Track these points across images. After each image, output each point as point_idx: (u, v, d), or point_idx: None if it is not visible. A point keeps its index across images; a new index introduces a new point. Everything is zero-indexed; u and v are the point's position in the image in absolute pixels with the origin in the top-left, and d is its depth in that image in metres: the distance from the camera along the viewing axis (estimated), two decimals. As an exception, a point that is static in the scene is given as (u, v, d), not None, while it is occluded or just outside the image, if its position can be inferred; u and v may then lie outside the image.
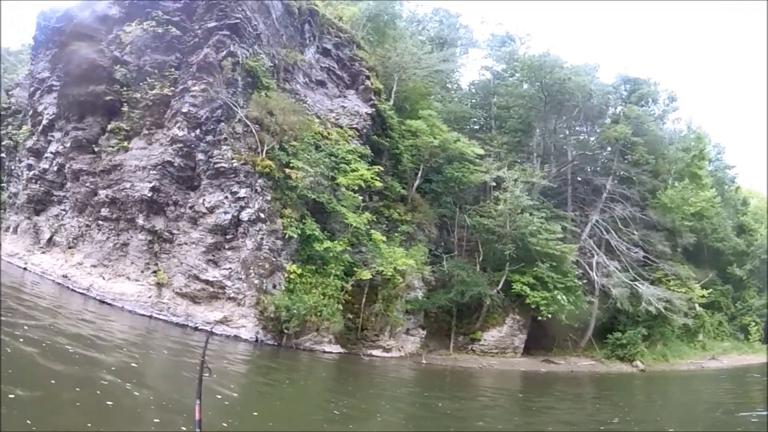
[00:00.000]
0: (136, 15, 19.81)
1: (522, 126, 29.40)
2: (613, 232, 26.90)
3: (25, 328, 9.93)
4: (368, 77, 22.34)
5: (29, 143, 22.99)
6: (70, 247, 19.39)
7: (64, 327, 11.22)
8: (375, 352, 17.24)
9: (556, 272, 22.37)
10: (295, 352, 15.47)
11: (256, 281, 15.83)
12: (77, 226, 19.41)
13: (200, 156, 17.51)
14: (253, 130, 17.30)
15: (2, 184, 25.23)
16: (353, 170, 18.36)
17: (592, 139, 30.05)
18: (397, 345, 17.97)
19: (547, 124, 28.32)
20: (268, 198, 16.72)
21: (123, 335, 12.75)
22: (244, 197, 16.63)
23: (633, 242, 26.82)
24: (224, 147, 17.21)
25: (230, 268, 16.19)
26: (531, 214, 22.26)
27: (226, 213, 16.57)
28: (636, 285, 24.62)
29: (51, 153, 21.60)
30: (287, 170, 17.16)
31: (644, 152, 28.22)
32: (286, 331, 15.38)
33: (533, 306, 21.12)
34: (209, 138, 17.52)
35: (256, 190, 16.74)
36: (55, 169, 21.30)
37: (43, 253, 20.38)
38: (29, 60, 27.73)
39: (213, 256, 16.46)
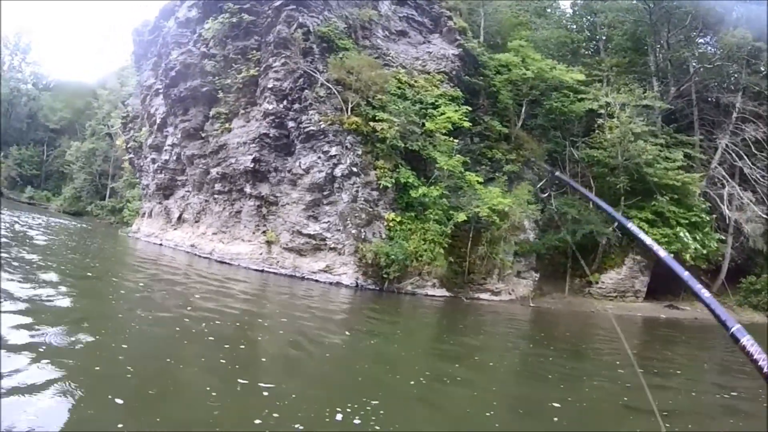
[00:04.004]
0: (212, 12, 21.42)
1: (631, 44, 25.93)
2: (746, 157, 22.64)
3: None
4: (450, 17, 21.06)
5: (150, 141, 26.31)
6: (196, 222, 21.98)
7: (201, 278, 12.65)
8: (483, 296, 16.70)
9: (679, 206, 19.55)
10: (397, 296, 15.63)
11: (354, 231, 16.35)
12: (199, 202, 21.84)
13: (291, 124, 18.36)
14: (335, 92, 17.52)
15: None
16: (441, 114, 17.74)
17: (718, 51, 25.35)
18: (507, 288, 17.22)
19: (658, 37, 24.50)
20: (359, 152, 16.96)
21: (244, 282, 14.15)
22: (335, 155, 17.08)
23: (769, 169, 22.33)
24: (311, 112, 17.81)
25: (329, 221, 16.95)
26: (645, 141, 19.58)
27: (320, 172, 17.23)
28: (772, 219, 20.55)
29: (168, 146, 24.44)
30: (372, 124, 17.17)
31: (771, 59, 23.11)
32: (386, 276, 15.61)
33: (653, 245, 18.72)
34: (296, 106, 18.28)
35: (346, 147, 17.06)
36: (174, 158, 24.06)
37: (175, 229, 23.35)
38: (135, 72, 31.75)
39: (313, 212, 17.33)
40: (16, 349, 5.15)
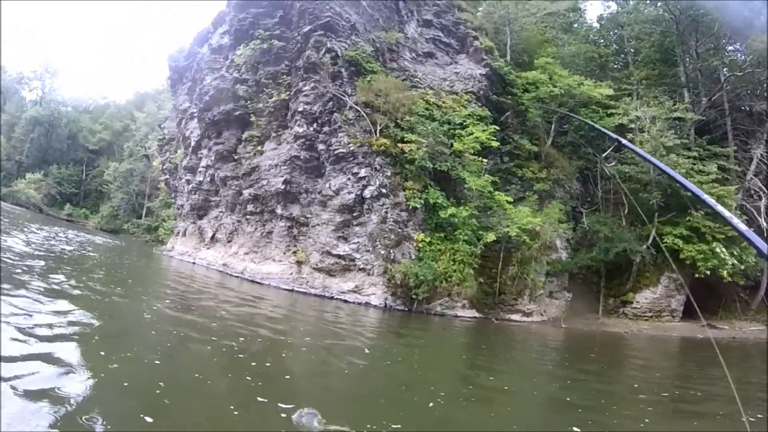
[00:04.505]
0: (243, 38, 22.34)
1: (659, 55, 25.64)
2: (782, 167, 21.90)
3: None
4: (476, 38, 21.39)
5: (185, 163, 27.37)
6: (228, 241, 22.70)
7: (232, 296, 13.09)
8: (514, 317, 16.57)
9: (715, 221, 18.92)
10: (426, 316, 15.63)
11: (383, 252, 16.57)
12: (231, 222, 22.56)
13: (321, 146, 18.85)
14: (364, 114, 17.93)
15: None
16: (470, 134, 17.92)
17: (748, 58, 24.73)
18: (539, 309, 17.04)
19: (687, 47, 24.11)
20: (388, 174, 17.25)
21: (273, 301, 14.56)
22: (365, 176, 17.42)
23: (806, 180, 21.51)
24: (340, 134, 18.24)
25: (358, 242, 17.23)
26: (678, 155, 19.21)
27: (350, 193, 17.58)
28: (812, 233, 19.65)
29: (203, 167, 25.38)
30: (401, 145, 17.46)
31: (801, 65, 22.30)
32: (415, 296, 15.71)
33: (688, 262, 18.24)
34: (326, 129, 18.77)
35: (375, 168, 17.39)
36: (208, 179, 24.97)
37: (208, 248, 24.14)
38: (170, 96, 33.24)
39: (342, 233, 17.65)
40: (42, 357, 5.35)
